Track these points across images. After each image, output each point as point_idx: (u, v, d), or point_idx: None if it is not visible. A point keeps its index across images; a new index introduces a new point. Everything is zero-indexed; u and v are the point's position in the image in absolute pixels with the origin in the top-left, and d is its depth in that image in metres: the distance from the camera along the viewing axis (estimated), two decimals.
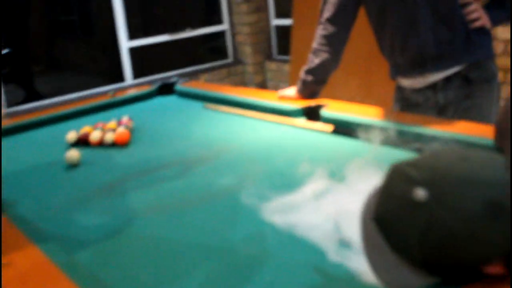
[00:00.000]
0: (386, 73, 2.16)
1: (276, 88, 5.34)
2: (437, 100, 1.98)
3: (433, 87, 1.98)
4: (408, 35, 1.92)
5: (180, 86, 2.66)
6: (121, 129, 1.99)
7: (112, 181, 1.63)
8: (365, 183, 1.24)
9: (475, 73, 1.92)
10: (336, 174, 1.43)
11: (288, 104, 2.09)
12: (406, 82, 2.05)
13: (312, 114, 2.00)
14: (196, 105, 2.43)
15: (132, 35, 4.96)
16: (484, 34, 1.94)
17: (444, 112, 1.98)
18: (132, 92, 2.70)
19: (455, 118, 1.89)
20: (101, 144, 1.98)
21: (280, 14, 5.36)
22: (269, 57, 5.48)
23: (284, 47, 5.24)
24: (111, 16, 4.84)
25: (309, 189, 1.38)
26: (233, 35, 5.54)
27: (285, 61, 5.15)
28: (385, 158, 1.52)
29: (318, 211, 1.27)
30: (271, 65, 5.41)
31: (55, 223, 1.36)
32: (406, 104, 2.07)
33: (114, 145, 1.96)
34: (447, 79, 1.94)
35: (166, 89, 2.71)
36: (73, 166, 1.78)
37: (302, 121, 1.99)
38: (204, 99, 2.45)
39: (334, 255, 1.07)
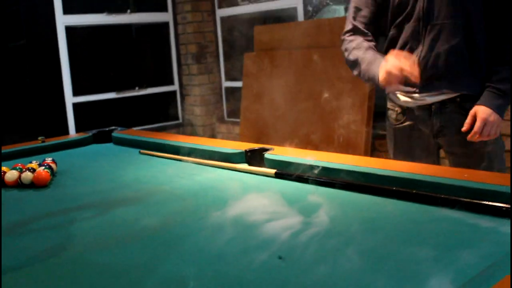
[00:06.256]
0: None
1: None
2: (432, 122, 1.98)
3: (428, 109, 1.98)
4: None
5: (116, 133, 2.48)
6: (42, 169, 1.78)
7: (20, 221, 1.41)
8: None
9: (470, 104, 1.91)
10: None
11: (229, 148, 1.93)
12: (402, 98, 2.04)
13: (254, 157, 1.84)
14: (132, 151, 2.25)
15: (78, 91, 4.78)
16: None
17: (440, 135, 1.99)
18: (64, 139, 2.50)
19: (454, 143, 1.96)
20: (18, 184, 1.77)
21: (230, 77, 5.29)
22: (219, 119, 5.36)
23: (235, 108, 5.14)
24: (58, 70, 4.67)
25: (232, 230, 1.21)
26: (183, 96, 5.42)
27: (235, 123, 5.04)
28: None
29: (250, 249, 1.09)
30: (222, 127, 5.28)
31: None
32: (401, 123, 2.09)
33: (32, 185, 1.75)
34: (442, 103, 1.95)
35: (102, 136, 2.53)
36: None
37: (242, 166, 1.82)
38: (141, 146, 2.28)
39: None
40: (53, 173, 1.86)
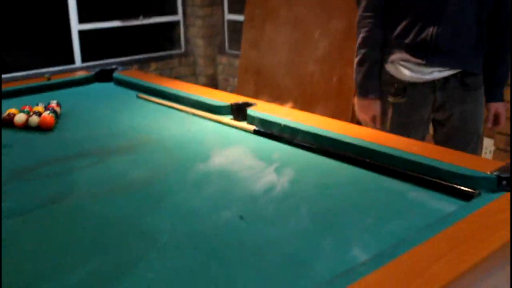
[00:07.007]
0: None
1: (227, 81, 5.37)
2: (436, 98, 2.12)
3: (431, 85, 2.11)
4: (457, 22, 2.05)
5: (117, 74, 2.65)
6: (47, 113, 1.98)
7: (28, 166, 1.62)
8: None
9: (470, 79, 2.11)
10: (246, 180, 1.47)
11: (218, 100, 2.11)
12: (408, 74, 2.12)
13: (239, 112, 2.03)
14: (131, 94, 2.43)
15: (83, 18, 4.90)
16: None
17: (440, 110, 2.15)
18: (68, 77, 2.68)
19: (452, 118, 2.14)
20: (25, 127, 1.97)
21: (233, 10, 5.38)
22: (220, 50, 5.49)
23: (236, 41, 5.26)
24: None
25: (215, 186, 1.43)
26: (186, 27, 5.53)
27: (236, 56, 5.18)
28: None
29: (219, 207, 1.31)
30: (222, 59, 5.42)
31: None
32: (402, 98, 2.17)
33: (38, 128, 1.96)
34: (446, 79, 2.10)
35: (104, 75, 2.70)
36: None
37: (228, 118, 2.01)
38: (138, 89, 2.46)
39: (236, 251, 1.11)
40: (57, 116, 2.05)
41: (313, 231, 1.21)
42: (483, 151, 3.29)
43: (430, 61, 2.08)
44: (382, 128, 2.23)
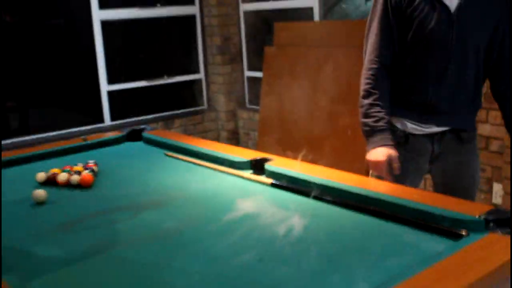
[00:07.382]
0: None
1: (247, 135, 5.63)
2: (433, 149, 2.26)
3: (430, 137, 2.25)
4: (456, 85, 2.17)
5: (146, 134, 2.91)
6: (86, 172, 2.22)
7: (72, 220, 1.85)
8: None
9: (465, 134, 2.25)
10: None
11: (238, 156, 2.34)
12: (409, 125, 2.25)
13: (257, 167, 2.25)
14: (159, 152, 2.67)
15: (112, 79, 5.24)
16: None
17: (436, 161, 2.28)
18: (102, 137, 2.94)
19: (447, 168, 2.26)
20: (67, 184, 2.21)
21: (252, 67, 5.69)
22: (241, 106, 5.77)
23: (255, 97, 5.54)
24: (94, 60, 5.14)
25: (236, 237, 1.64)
26: (208, 84, 5.84)
27: (255, 110, 5.45)
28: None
29: (241, 251, 1.51)
30: (243, 114, 5.70)
31: (14, 254, 1.58)
32: (402, 147, 2.25)
33: (79, 186, 2.19)
34: (443, 133, 2.25)
35: (134, 135, 2.96)
36: (40, 203, 2.01)
37: (247, 173, 2.23)
38: (165, 147, 2.70)
39: None
40: (95, 174, 2.30)
41: (323, 269, 1.41)
42: (493, 195, 3.45)
43: (427, 120, 2.23)
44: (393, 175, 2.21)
